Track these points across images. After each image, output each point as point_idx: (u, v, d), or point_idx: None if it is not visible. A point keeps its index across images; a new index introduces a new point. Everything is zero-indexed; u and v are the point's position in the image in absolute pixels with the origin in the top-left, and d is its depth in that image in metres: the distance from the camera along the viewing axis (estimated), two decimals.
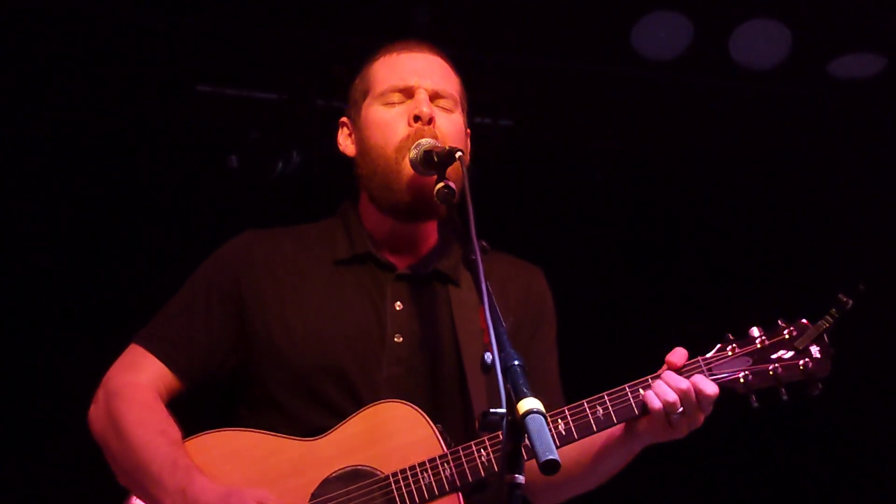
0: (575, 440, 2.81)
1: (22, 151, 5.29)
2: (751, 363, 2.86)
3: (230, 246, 3.11)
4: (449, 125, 3.00)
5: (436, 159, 2.80)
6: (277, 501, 2.72)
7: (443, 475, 2.76)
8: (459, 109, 3.08)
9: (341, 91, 3.41)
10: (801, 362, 2.85)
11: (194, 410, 2.98)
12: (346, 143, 3.14)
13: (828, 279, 5.76)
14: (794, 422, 5.50)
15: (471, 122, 3.19)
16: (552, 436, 2.71)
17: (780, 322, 2.91)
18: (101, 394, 2.97)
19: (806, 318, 2.90)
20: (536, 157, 5.96)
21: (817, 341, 2.86)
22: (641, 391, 2.81)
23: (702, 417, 2.81)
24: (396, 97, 3.01)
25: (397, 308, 2.97)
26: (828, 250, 5.94)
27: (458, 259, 2.99)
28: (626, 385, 2.83)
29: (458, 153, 2.76)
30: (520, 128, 5.80)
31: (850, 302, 2.78)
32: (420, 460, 2.77)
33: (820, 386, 2.87)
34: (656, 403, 2.76)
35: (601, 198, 6.05)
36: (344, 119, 3.17)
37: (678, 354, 2.85)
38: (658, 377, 2.81)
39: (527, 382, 2.19)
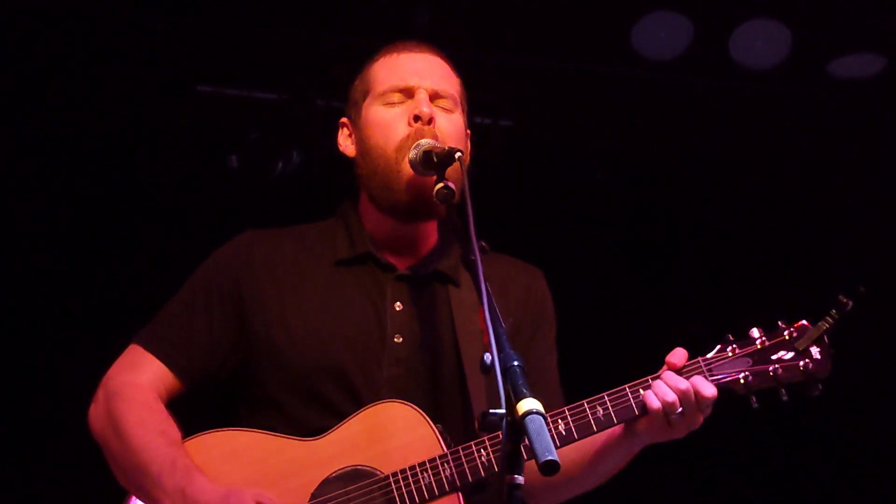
0: (575, 440, 2.81)
1: (22, 151, 5.30)
2: (751, 364, 2.86)
3: (230, 246, 3.11)
4: (449, 125, 3.00)
5: (435, 160, 2.80)
6: (277, 501, 2.72)
7: (443, 475, 2.75)
8: (459, 110, 3.08)
9: (341, 91, 3.41)
10: (802, 363, 2.86)
11: (194, 410, 2.98)
12: (346, 143, 3.14)
13: (828, 279, 5.76)
14: (794, 422, 5.50)
15: (471, 122, 3.19)
16: (552, 436, 2.74)
17: (780, 323, 2.91)
18: (101, 394, 2.97)
19: (806, 319, 2.90)
20: (536, 157, 5.96)
21: (817, 342, 2.86)
22: (641, 391, 2.81)
23: (701, 418, 2.81)
24: (397, 97, 3.01)
25: (397, 308, 2.97)
26: (828, 250, 5.94)
27: (458, 259, 2.99)
28: (626, 385, 2.83)
29: (458, 153, 2.76)
30: (520, 128, 5.80)
31: (850, 303, 2.78)
32: (420, 460, 2.77)
33: (820, 387, 2.87)
34: (655, 403, 2.76)
35: (601, 198, 6.06)
36: (344, 119, 3.17)
37: (678, 355, 2.85)
38: (658, 377, 2.82)
39: (526, 383, 2.19)
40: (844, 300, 2.79)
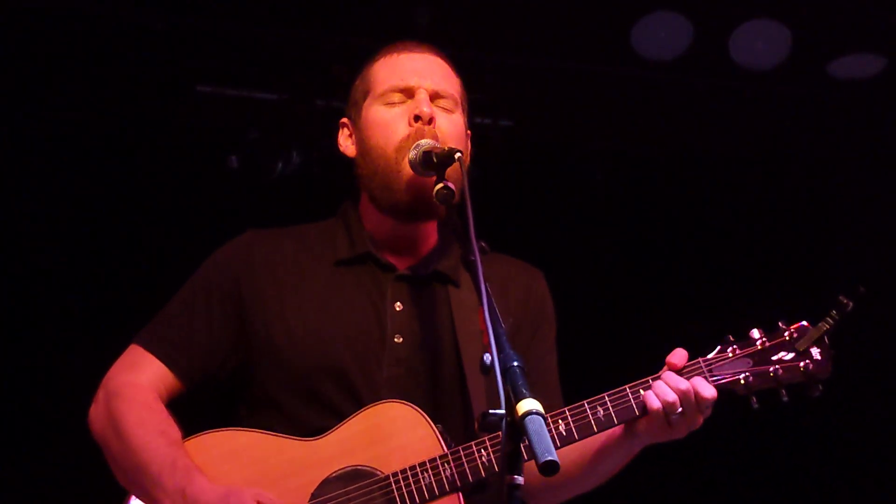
0: (576, 440, 2.81)
1: (22, 151, 5.29)
2: (751, 364, 2.86)
3: (230, 246, 3.11)
4: (449, 125, 3.00)
5: (435, 160, 2.80)
6: (277, 501, 2.72)
7: (443, 475, 2.75)
8: (460, 110, 3.08)
9: (341, 91, 3.41)
10: (802, 364, 2.86)
11: (194, 410, 2.98)
12: (346, 143, 3.14)
13: (828, 280, 5.77)
14: (794, 423, 5.50)
15: (471, 122, 3.19)
16: (553, 436, 2.74)
17: (780, 324, 2.91)
18: (101, 394, 2.97)
19: (806, 320, 2.90)
20: (536, 158, 5.96)
21: (818, 343, 2.86)
22: (642, 392, 2.81)
23: (701, 419, 2.81)
24: (397, 97, 3.01)
25: (397, 308, 2.97)
26: (828, 250, 5.94)
27: (458, 260, 2.99)
28: (626, 386, 2.83)
29: (458, 154, 2.76)
30: (520, 128, 5.80)
31: (851, 304, 2.78)
32: (420, 460, 2.77)
33: (820, 387, 2.87)
34: (655, 403, 2.76)
35: (601, 198, 6.06)
36: (344, 120, 3.17)
37: (678, 355, 2.85)
38: (658, 378, 2.82)
39: (526, 383, 2.19)
40: (845, 301, 2.79)
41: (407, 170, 2.90)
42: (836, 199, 5.98)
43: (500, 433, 2.17)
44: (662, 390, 2.77)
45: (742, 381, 2.84)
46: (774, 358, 2.86)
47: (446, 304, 3.00)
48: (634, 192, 6.10)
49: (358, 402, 2.87)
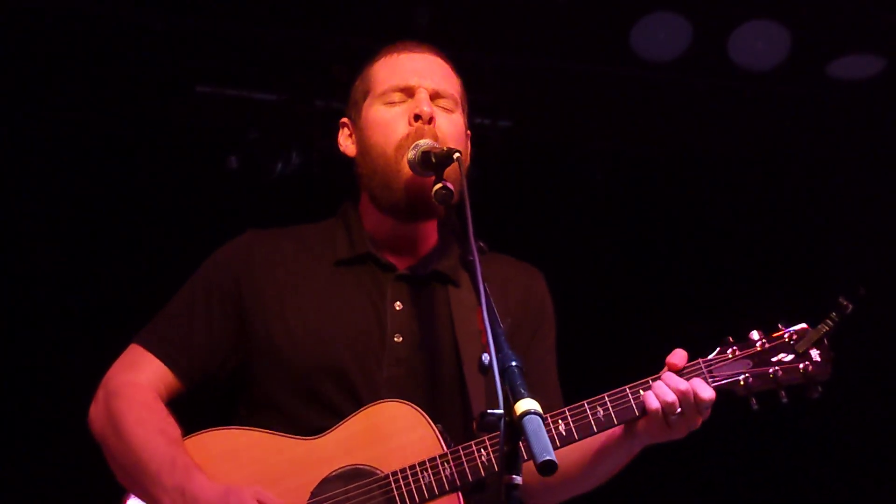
0: (575, 440, 2.81)
1: (22, 151, 5.30)
2: (751, 366, 2.86)
3: (230, 246, 3.11)
4: (449, 125, 3.00)
5: (434, 160, 2.81)
6: (277, 500, 2.72)
7: (443, 475, 2.76)
8: (460, 110, 3.09)
9: (341, 91, 3.41)
10: (802, 365, 2.86)
11: (194, 410, 2.98)
12: (346, 143, 3.15)
13: (828, 280, 5.76)
14: (794, 424, 5.50)
15: (470, 122, 3.19)
16: (552, 436, 2.75)
17: (780, 325, 2.92)
18: (100, 393, 2.97)
19: (806, 321, 2.91)
20: (536, 158, 5.96)
21: (817, 345, 2.87)
22: (642, 392, 2.81)
23: (700, 420, 2.81)
24: (397, 97, 3.02)
25: (397, 308, 2.97)
26: (828, 251, 5.94)
27: (458, 259, 2.99)
28: (626, 386, 2.83)
29: (456, 154, 2.77)
30: (519, 128, 5.80)
31: (851, 306, 2.78)
32: (420, 460, 2.77)
33: (820, 389, 2.87)
34: (655, 404, 2.76)
35: (601, 198, 6.06)
36: (344, 119, 3.18)
37: (678, 356, 2.85)
38: (658, 378, 2.82)
39: (524, 383, 2.19)
40: (844, 303, 2.79)
41: (406, 169, 2.90)
42: (836, 199, 5.97)
43: (499, 433, 2.17)
44: (662, 391, 2.77)
45: (742, 383, 2.84)
46: (774, 359, 2.86)
47: (446, 304, 3.00)
48: (634, 192, 6.09)
49: (358, 401, 2.87)
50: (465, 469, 2.76)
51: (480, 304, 2.34)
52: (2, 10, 4.99)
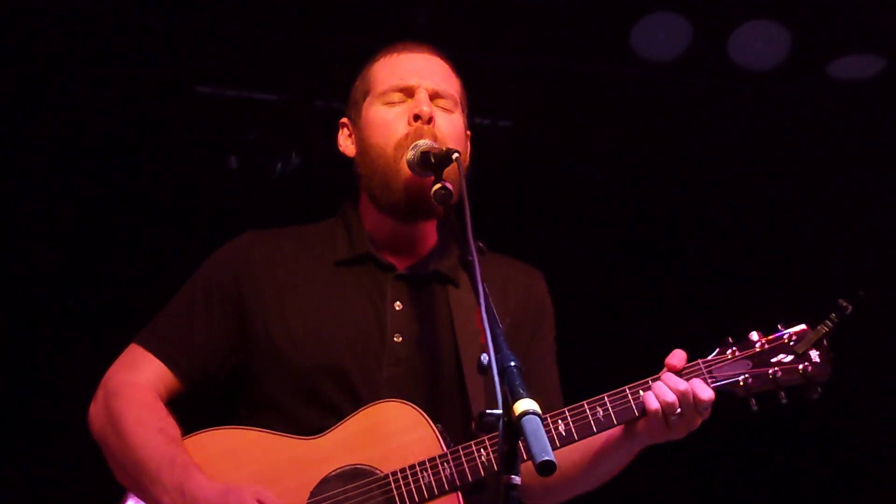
0: (575, 440, 2.81)
1: (22, 151, 5.30)
2: (750, 366, 2.86)
3: (230, 246, 3.11)
4: (448, 125, 3.00)
5: (433, 160, 2.81)
6: (276, 499, 2.72)
7: (442, 475, 2.76)
8: (459, 110, 3.09)
9: (341, 91, 3.42)
10: (801, 366, 2.86)
11: (194, 410, 2.98)
12: (346, 143, 3.15)
13: (828, 280, 5.76)
14: (793, 425, 5.50)
15: (470, 122, 3.19)
16: (552, 436, 2.75)
17: (779, 326, 2.92)
18: (100, 393, 2.97)
19: (806, 322, 2.91)
20: (536, 158, 5.96)
21: (817, 346, 2.87)
22: (641, 393, 2.81)
23: (699, 420, 2.81)
24: (397, 97, 3.02)
25: (397, 308, 2.98)
26: (828, 251, 5.94)
27: (458, 260, 2.99)
28: (626, 386, 2.83)
29: (455, 154, 2.77)
30: (519, 128, 5.80)
31: (850, 307, 2.79)
32: (420, 460, 2.77)
33: (819, 390, 2.87)
34: (654, 404, 2.76)
35: (601, 198, 6.06)
36: (344, 120, 3.18)
37: (677, 357, 2.85)
38: (658, 379, 2.82)
39: (523, 384, 2.20)
40: (844, 304, 2.80)
41: (405, 170, 2.90)
42: (836, 199, 5.97)
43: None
44: (662, 391, 2.77)
45: (741, 383, 2.84)
46: (773, 360, 2.86)
47: (446, 304, 3.00)
48: (634, 192, 6.09)
49: (357, 401, 2.87)
50: (464, 469, 2.76)
51: (479, 305, 2.34)
52: (2, 10, 4.98)
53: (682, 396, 2.75)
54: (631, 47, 5.45)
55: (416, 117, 2.95)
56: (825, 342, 2.87)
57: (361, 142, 3.06)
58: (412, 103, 2.99)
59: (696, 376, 2.82)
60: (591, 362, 4.72)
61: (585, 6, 5.33)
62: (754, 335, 2.90)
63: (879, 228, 5.79)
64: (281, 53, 5.40)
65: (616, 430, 2.86)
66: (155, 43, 5.20)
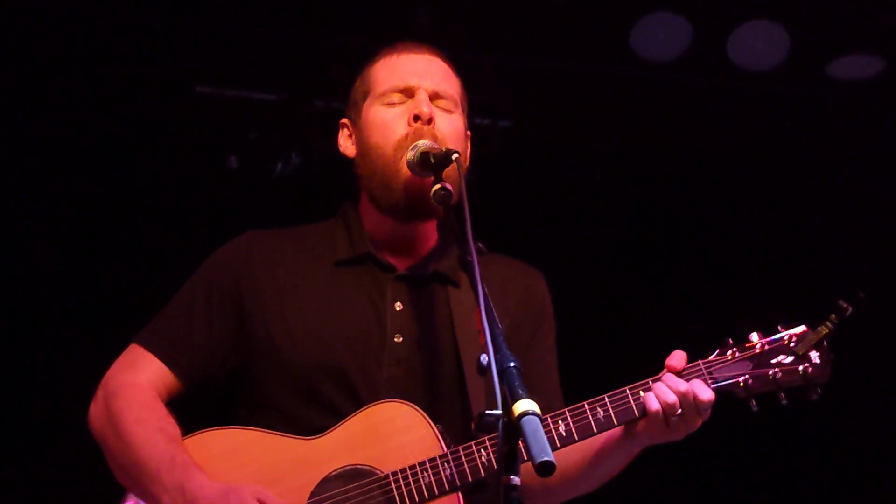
0: (575, 441, 2.81)
1: (22, 151, 5.30)
2: (751, 367, 2.86)
3: (230, 246, 3.11)
4: (448, 126, 3.00)
5: (432, 161, 2.81)
6: (276, 499, 2.72)
7: (443, 475, 2.76)
8: (459, 110, 3.09)
9: (341, 91, 3.42)
10: (801, 367, 2.86)
11: (194, 410, 2.98)
12: (346, 143, 3.15)
13: (828, 280, 5.77)
14: (793, 426, 5.50)
15: (470, 122, 3.19)
16: (552, 437, 2.75)
17: (779, 327, 2.92)
18: (100, 393, 2.97)
19: (806, 323, 2.91)
20: (536, 158, 5.96)
21: (817, 347, 2.87)
22: (642, 393, 2.81)
23: (699, 421, 2.81)
24: (397, 97, 3.02)
25: (397, 308, 2.98)
26: (828, 251, 5.94)
27: (457, 260, 2.99)
28: (626, 387, 2.84)
29: (455, 155, 2.76)
30: (519, 128, 5.80)
31: (850, 308, 2.79)
32: (420, 460, 2.77)
33: (819, 391, 2.87)
34: (655, 405, 2.76)
35: (601, 198, 6.06)
36: (344, 120, 3.18)
37: (677, 357, 2.85)
38: (658, 380, 2.82)
39: (522, 384, 2.19)
40: (844, 305, 2.80)
41: (405, 170, 2.90)
42: (836, 199, 5.98)
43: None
44: (662, 392, 2.77)
45: (741, 384, 2.84)
46: (774, 361, 2.86)
47: (446, 305, 3.00)
48: (634, 192, 6.10)
49: (358, 401, 2.87)
50: (464, 469, 2.76)
51: (479, 305, 2.34)
52: (2, 10, 4.99)
53: (682, 397, 2.75)
54: (631, 47, 5.45)
55: (416, 118, 2.95)
56: (825, 343, 2.87)
57: (361, 142, 3.06)
58: (412, 104, 2.99)
59: (697, 377, 2.82)
60: (591, 362, 4.72)
61: (585, 6, 5.33)
62: (754, 336, 2.90)
63: (879, 228, 5.79)
64: (281, 53, 5.40)
65: (616, 431, 2.86)
66: (155, 43, 5.20)
